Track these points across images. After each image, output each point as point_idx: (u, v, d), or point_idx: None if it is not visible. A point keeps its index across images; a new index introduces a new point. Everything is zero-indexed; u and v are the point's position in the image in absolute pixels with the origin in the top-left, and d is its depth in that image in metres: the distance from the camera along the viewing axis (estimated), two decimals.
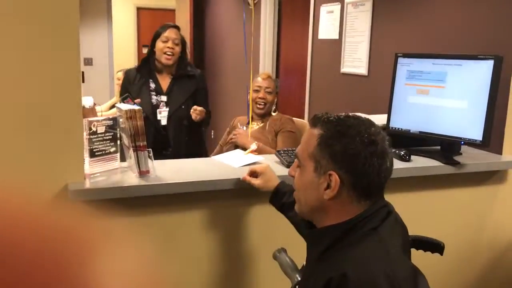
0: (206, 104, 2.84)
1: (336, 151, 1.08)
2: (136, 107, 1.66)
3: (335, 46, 3.54)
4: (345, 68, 3.44)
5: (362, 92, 3.27)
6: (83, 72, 5.48)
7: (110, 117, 1.70)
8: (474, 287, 2.34)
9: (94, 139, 1.64)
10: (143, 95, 2.68)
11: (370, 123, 1.12)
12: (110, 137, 1.69)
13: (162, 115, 2.70)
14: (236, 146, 2.59)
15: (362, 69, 3.24)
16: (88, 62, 7.43)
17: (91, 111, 4.17)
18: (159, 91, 2.74)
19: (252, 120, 2.71)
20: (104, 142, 1.67)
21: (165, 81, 2.76)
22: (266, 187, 1.62)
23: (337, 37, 3.51)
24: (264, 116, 2.74)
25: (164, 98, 2.73)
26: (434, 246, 1.39)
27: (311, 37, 3.87)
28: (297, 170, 1.20)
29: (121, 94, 2.73)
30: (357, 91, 3.32)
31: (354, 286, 0.97)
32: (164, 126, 2.71)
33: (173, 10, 7.48)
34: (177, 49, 2.71)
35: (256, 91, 2.69)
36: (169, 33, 2.70)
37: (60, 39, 1.49)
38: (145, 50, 9.67)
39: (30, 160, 1.52)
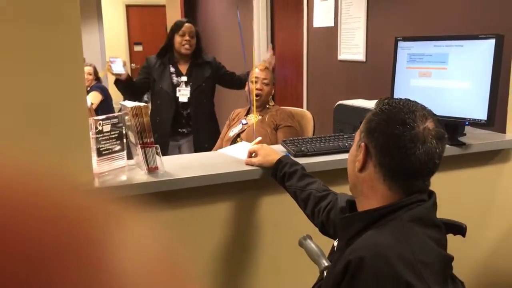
0: (231, 73, 3.31)
1: (371, 126, 1.13)
2: (142, 104, 1.65)
3: (331, 34, 3.52)
4: (343, 55, 3.43)
5: (361, 78, 3.26)
6: None
7: (115, 114, 1.69)
8: (479, 266, 2.35)
9: (100, 138, 1.62)
10: (164, 77, 3.08)
11: (417, 110, 1.10)
12: (116, 135, 1.68)
13: (182, 93, 3.07)
14: (234, 141, 2.59)
15: (360, 55, 3.23)
16: None
17: (89, 111, 4.15)
18: (179, 74, 3.12)
19: (251, 113, 2.71)
20: (111, 140, 1.66)
21: (183, 67, 3.14)
22: (267, 162, 1.69)
23: (332, 24, 3.50)
24: (261, 109, 2.73)
25: (184, 78, 3.10)
26: (456, 228, 1.39)
27: (306, 25, 3.85)
28: None
29: (140, 76, 3.18)
30: (356, 77, 3.32)
31: (369, 268, 0.98)
32: (184, 103, 3.08)
33: (163, 6, 7.41)
34: (193, 41, 3.11)
35: (253, 82, 2.69)
36: (186, 28, 3.09)
37: (63, 40, 1.47)
38: (136, 47, 9.66)
39: (39, 161, 1.50)
